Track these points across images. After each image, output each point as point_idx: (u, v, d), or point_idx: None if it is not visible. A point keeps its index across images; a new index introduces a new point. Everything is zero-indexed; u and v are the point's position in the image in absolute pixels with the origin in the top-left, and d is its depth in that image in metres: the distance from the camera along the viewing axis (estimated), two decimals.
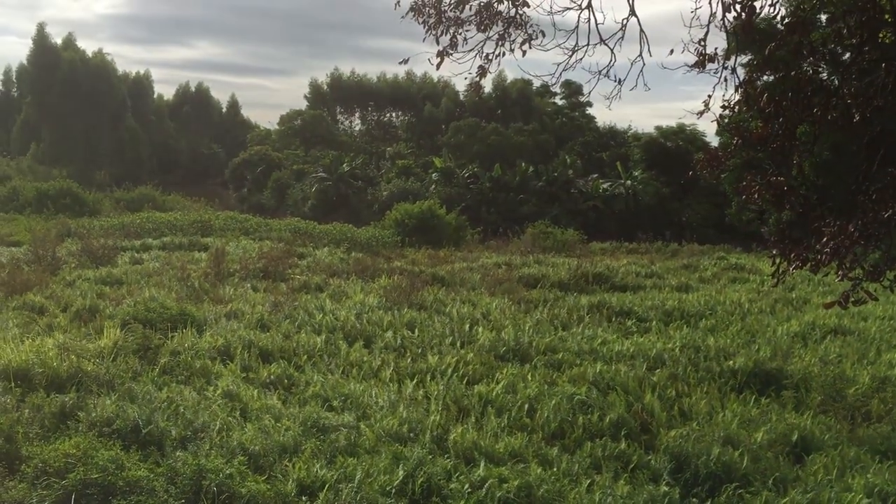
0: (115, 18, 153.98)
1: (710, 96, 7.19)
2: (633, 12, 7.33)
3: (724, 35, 7.05)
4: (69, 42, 64.00)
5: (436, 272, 21.85)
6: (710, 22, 6.92)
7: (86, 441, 7.85)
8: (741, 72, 7.40)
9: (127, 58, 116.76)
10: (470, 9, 7.72)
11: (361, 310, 15.51)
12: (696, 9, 6.93)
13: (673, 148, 48.76)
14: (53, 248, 21.06)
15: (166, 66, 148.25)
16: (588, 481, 8.03)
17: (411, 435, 8.96)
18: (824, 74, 8.19)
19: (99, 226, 30.61)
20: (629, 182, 47.55)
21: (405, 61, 8.53)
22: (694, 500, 7.92)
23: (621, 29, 7.43)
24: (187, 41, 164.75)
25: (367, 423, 9.25)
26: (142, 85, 72.16)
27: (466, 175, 49.39)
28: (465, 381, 11.07)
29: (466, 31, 7.80)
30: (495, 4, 7.68)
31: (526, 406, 10.04)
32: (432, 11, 7.73)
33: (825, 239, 6.78)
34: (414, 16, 7.79)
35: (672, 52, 7.17)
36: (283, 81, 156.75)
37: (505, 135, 57.96)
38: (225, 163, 69.92)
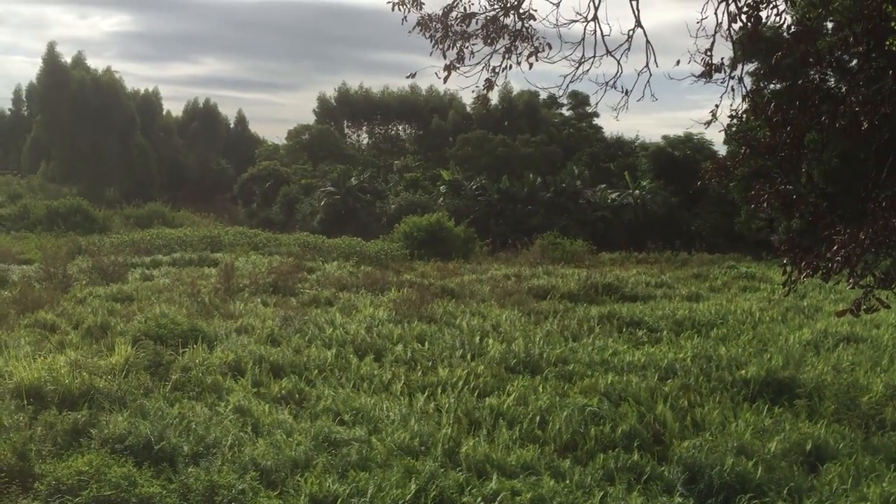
0: (122, 36, 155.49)
1: (717, 105, 7.21)
2: (638, 23, 7.36)
3: (730, 44, 7.07)
4: (79, 60, 64.52)
5: (445, 284, 21.86)
6: (716, 32, 6.94)
7: (98, 458, 7.88)
8: (748, 81, 7.44)
9: (134, 75, 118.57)
10: (476, 23, 7.77)
11: (371, 323, 15.53)
12: (702, 19, 6.96)
13: (681, 157, 48.66)
14: (64, 266, 21.15)
15: (173, 83, 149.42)
16: (601, 493, 8.00)
17: (423, 448, 8.95)
18: (831, 82, 8.17)
19: (109, 243, 30.74)
20: (637, 192, 47.44)
21: (412, 75, 8.62)
22: None
23: (627, 40, 7.46)
24: (193, 57, 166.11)
25: (378, 436, 9.24)
26: (150, 102, 72.60)
27: (474, 187, 49.40)
28: (475, 394, 11.06)
29: (473, 44, 7.84)
30: (501, 18, 7.73)
31: (537, 418, 10.02)
32: (439, 26, 7.78)
33: (836, 247, 6.75)
34: (421, 30, 7.84)
35: (678, 62, 7.19)
36: (290, 96, 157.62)
37: (512, 146, 58.03)
38: (233, 178, 70.19)
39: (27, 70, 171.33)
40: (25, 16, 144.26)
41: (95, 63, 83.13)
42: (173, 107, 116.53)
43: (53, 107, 60.41)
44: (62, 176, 60.76)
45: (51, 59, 61.62)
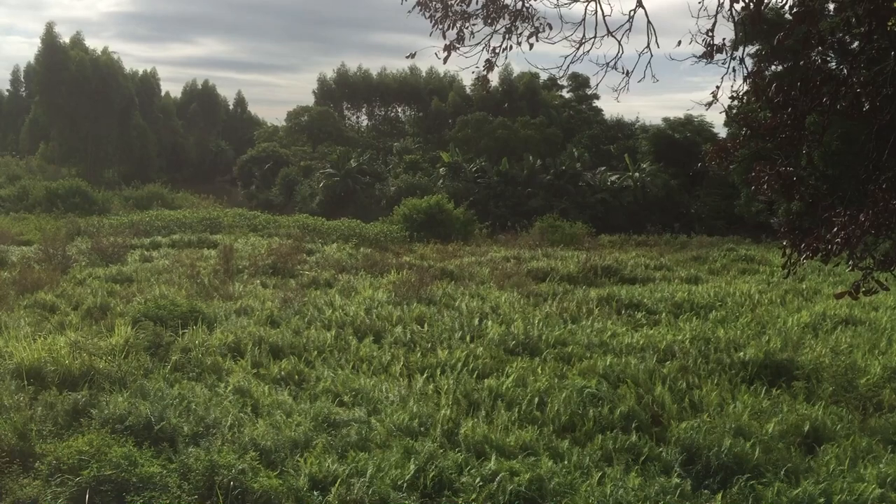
0: (120, 16, 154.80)
1: (718, 87, 7.16)
2: (640, 3, 7.30)
3: (731, 25, 7.02)
4: (77, 41, 64.16)
5: (444, 267, 21.87)
6: (717, 12, 6.88)
7: (99, 438, 7.91)
8: (749, 62, 7.38)
9: (132, 56, 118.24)
10: (476, 2, 7.70)
11: (371, 305, 15.55)
12: None
13: (681, 139, 48.53)
14: (64, 247, 21.15)
15: (171, 64, 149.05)
16: (599, 474, 8.04)
17: (422, 429, 8.99)
18: (833, 64, 8.14)
19: (108, 224, 30.73)
20: (637, 174, 47.36)
21: (412, 56, 8.50)
22: (706, 491, 7.93)
23: (628, 20, 7.40)
24: (192, 38, 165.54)
25: (377, 417, 9.28)
26: (149, 83, 72.34)
27: (474, 169, 49.30)
28: (475, 375, 11.09)
29: (473, 24, 7.77)
30: None
31: (536, 399, 10.06)
32: (439, 6, 7.71)
33: (836, 229, 6.73)
34: (420, 10, 7.77)
35: (679, 43, 7.14)
36: (288, 77, 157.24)
37: (512, 128, 57.83)
38: (233, 160, 70.13)
39: (25, 51, 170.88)
40: None
41: (93, 43, 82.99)
42: (171, 88, 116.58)
43: (52, 88, 60.16)
44: (61, 157, 60.62)
45: (49, 39, 61.26)
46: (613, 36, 7.51)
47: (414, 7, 7.78)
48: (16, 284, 16.38)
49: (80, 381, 9.87)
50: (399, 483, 7.61)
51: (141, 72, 72.67)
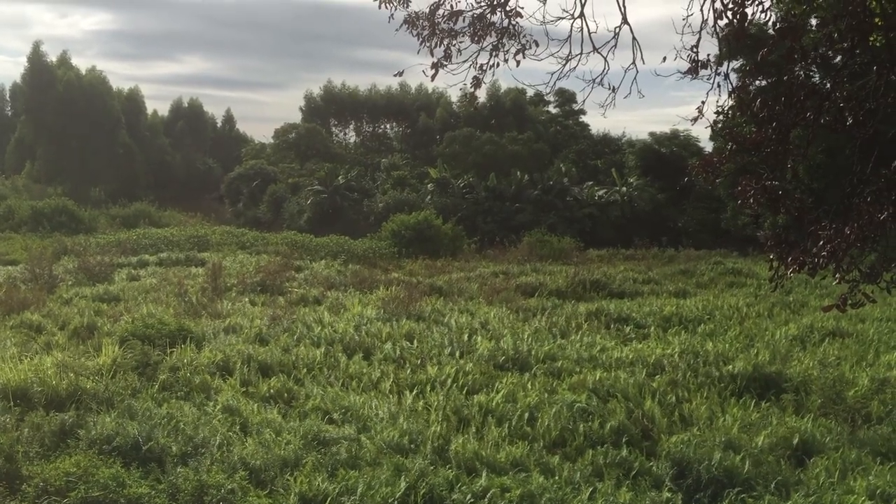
0: (103, 35, 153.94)
1: (703, 102, 7.24)
2: (625, 20, 7.38)
3: (716, 41, 7.09)
4: (64, 60, 64.02)
5: (433, 282, 21.87)
6: (702, 28, 6.96)
7: (86, 459, 7.84)
8: (734, 77, 7.45)
9: (115, 74, 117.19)
10: (463, 20, 7.75)
11: (360, 322, 15.51)
12: (688, 16, 6.98)
13: (667, 154, 48.79)
14: (50, 266, 21.02)
15: (155, 82, 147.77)
16: (590, 489, 8.02)
17: (412, 446, 8.95)
18: (816, 78, 8.23)
19: (95, 243, 30.59)
20: (624, 189, 47.56)
21: (400, 74, 8.58)
22: None
23: (614, 37, 7.47)
24: (176, 56, 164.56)
25: (367, 435, 9.24)
26: (135, 101, 72.10)
27: (462, 185, 49.35)
28: (464, 391, 11.07)
29: (460, 42, 7.83)
30: (488, 16, 7.72)
31: (526, 415, 10.04)
32: (426, 24, 7.76)
33: (822, 242, 6.80)
34: (408, 28, 7.83)
35: (665, 59, 7.22)
36: (275, 94, 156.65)
37: (500, 144, 57.94)
38: (220, 177, 69.85)
39: (10, 70, 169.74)
40: (5, 15, 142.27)
41: (76, 62, 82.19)
42: (157, 106, 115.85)
43: (39, 107, 59.89)
44: (47, 176, 60.26)
45: (36, 58, 61.10)
46: (599, 52, 7.57)
47: (401, 25, 7.83)
48: (1, 304, 16.25)
49: (67, 402, 9.79)
50: (390, 501, 7.56)
51: (127, 90, 72.57)
